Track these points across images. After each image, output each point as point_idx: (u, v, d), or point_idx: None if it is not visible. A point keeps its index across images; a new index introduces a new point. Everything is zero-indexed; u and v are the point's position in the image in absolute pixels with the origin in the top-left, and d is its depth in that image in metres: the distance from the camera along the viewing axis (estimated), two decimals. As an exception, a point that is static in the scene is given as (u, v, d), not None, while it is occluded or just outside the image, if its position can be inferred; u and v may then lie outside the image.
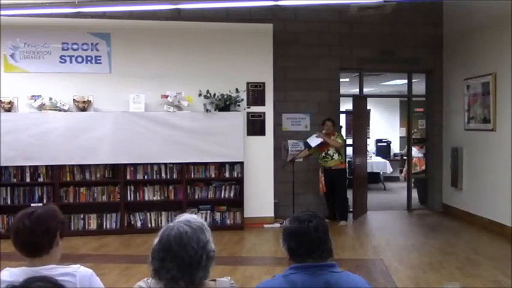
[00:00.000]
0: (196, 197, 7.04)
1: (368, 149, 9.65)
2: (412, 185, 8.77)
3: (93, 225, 6.78)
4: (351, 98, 8.37)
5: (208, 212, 7.02)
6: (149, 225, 6.90)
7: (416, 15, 7.98)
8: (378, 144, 13.17)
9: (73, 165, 6.72)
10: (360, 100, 8.27)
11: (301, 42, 7.84)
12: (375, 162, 11.56)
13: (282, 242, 1.95)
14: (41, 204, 6.51)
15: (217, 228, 6.71)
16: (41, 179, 6.69)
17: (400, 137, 13.22)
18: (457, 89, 7.74)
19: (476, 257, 5.54)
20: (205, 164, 7.01)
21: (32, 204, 6.45)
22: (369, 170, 9.53)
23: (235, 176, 7.08)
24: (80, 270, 1.97)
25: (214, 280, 1.77)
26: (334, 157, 7.31)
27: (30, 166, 6.63)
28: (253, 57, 7.24)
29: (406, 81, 8.80)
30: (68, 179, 6.75)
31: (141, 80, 6.97)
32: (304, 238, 1.90)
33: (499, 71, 6.60)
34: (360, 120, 8.30)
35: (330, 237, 1.95)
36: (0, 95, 6.61)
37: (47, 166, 6.67)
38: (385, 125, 13.59)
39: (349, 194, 7.96)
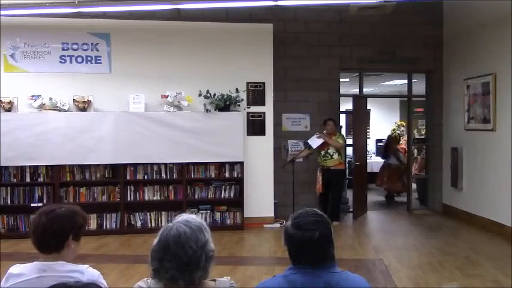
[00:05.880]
0: (196, 197, 7.04)
1: (368, 149, 9.65)
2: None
3: (93, 225, 6.77)
4: (351, 98, 8.36)
5: (208, 212, 7.01)
6: (149, 225, 6.89)
7: (416, 15, 7.98)
8: (378, 144, 13.14)
9: (73, 165, 6.72)
10: (360, 100, 8.27)
11: (301, 42, 7.84)
12: (375, 162, 11.54)
13: (283, 241, 1.90)
14: (40, 204, 6.55)
15: (217, 228, 6.71)
16: (41, 179, 6.68)
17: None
18: (457, 89, 7.73)
19: (476, 257, 5.54)
20: (205, 164, 7.01)
21: (31, 205, 6.49)
22: (368, 170, 9.51)
23: (235, 176, 7.07)
24: (88, 270, 2.04)
25: (214, 280, 1.77)
26: (334, 156, 7.30)
27: (30, 166, 6.63)
28: (253, 57, 7.24)
29: (406, 81, 8.80)
30: (68, 179, 6.75)
31: (141, 80, 6.97)
32: (305, 247, 1.84)
33: (499, 71, 6.60)
34: (359, 120, 8.30)
35: (333, 244, 1.89)
36: (0, 95, 6.61)
37: (47, 166, 6.66)
38: (385, 125, 13.57)
39: (349, 194, 7.95)
